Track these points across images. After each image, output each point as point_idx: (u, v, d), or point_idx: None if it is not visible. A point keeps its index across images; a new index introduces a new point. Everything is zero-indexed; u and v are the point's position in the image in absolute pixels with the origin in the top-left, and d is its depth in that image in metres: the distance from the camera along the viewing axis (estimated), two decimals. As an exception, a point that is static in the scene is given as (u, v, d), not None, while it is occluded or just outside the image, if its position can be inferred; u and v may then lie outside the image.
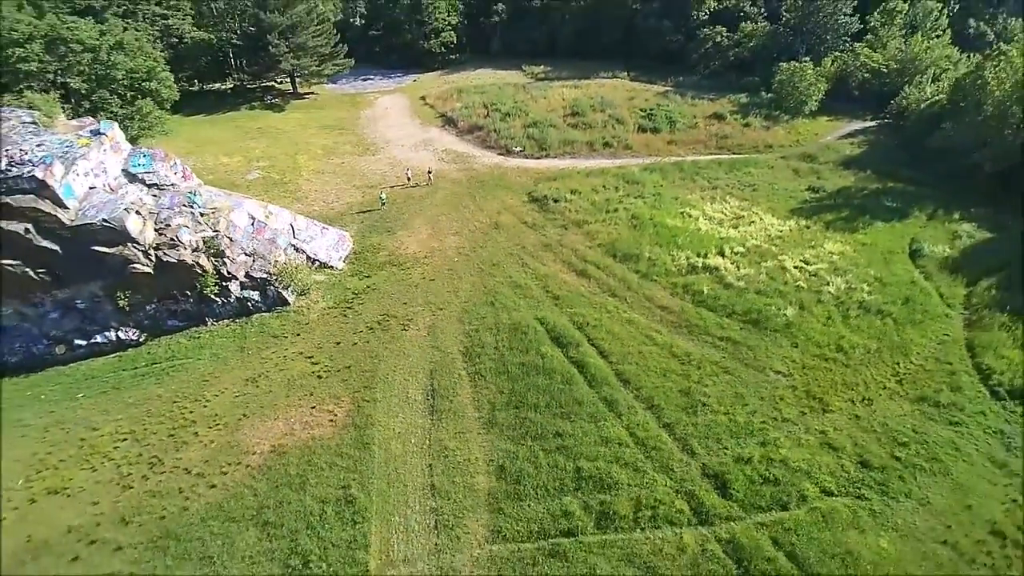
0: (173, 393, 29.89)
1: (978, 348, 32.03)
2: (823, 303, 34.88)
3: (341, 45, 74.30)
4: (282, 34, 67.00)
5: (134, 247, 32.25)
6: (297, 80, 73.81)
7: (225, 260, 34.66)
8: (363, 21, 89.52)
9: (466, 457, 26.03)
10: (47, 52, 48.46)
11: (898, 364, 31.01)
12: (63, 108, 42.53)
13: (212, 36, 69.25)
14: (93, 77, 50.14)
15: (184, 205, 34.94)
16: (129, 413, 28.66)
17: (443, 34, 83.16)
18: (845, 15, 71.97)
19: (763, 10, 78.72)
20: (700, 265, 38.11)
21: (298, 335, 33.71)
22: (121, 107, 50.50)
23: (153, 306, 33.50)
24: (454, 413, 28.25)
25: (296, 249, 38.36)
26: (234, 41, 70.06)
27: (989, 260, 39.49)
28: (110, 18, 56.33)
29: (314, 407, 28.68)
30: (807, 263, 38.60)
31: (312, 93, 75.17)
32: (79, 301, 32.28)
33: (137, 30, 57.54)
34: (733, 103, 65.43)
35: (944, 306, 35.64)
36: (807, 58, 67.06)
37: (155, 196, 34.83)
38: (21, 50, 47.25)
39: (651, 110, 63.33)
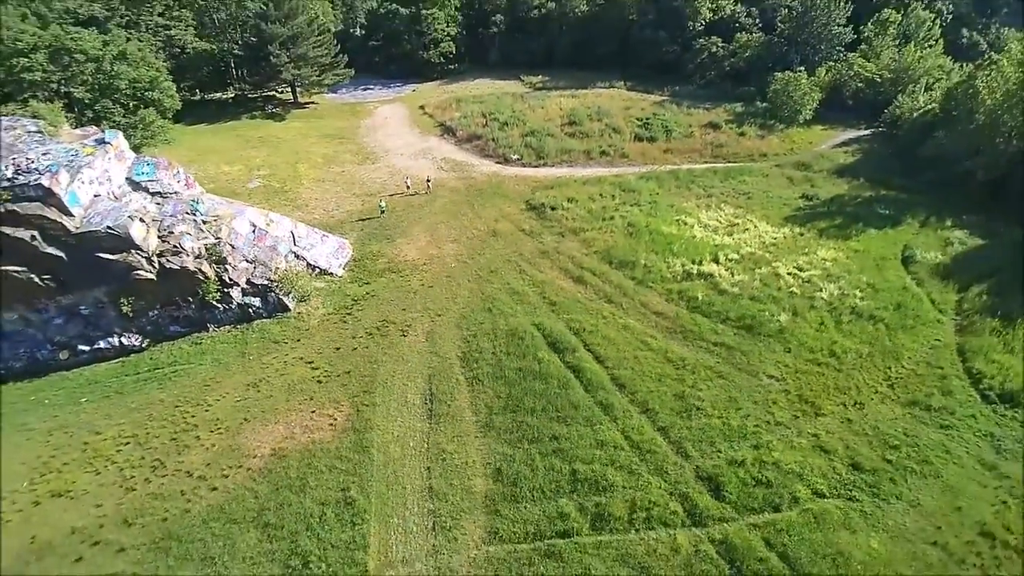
0: (175, 398, 30.29)
1: (969, 353, 32.53)
2: (816, 309, 35.39)
3: (341, 55, 75.08)
4: (283, 44, 67.74)
5: (138, 254, 32.74)
6: (298, 90, 74.52)
7: (227, 267, 35.16)
8: (363, 32, 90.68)
9: (464, 460, 26.42)
10: (51, 62, 49.09)
11: (890, 368, 31.49)
12: (67, 117, 43.09)
13: (214, 46, 70.18)
14: (96, 87, 50.73)
15: (187, 213, 35.47)
16: (132, 417, 29.06)
17: (442, 44, 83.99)
18: (839, 26, 73.05)
19: (758, 21, 79.88)
20: (695, 272, 38.64)
21: (298, 341, 34.15)
22: (124, 116, 51.03)
23: (156, 312, 33.95)
24: (452, 417, 28.66)
25: (297, 256, 38.86)
26: (235, 51, 70.98)
27: (981, 266, 40.10)
28: (113, 29, 56.98)
29: (314, 411, 29.08)
30: (800, 270, 39.15)
31: (312, 103, 75.89)
32: (83, 307, 32.73)
33: (140, 40, 58.21)
34: (728, 112, 66.34)
35: (936, 312, 36.14)
36: (801, 68, 68.04)
37: (158, 204, 35.39)
38: (26, 60, 47.88)
39: (647, 119, 64.13)
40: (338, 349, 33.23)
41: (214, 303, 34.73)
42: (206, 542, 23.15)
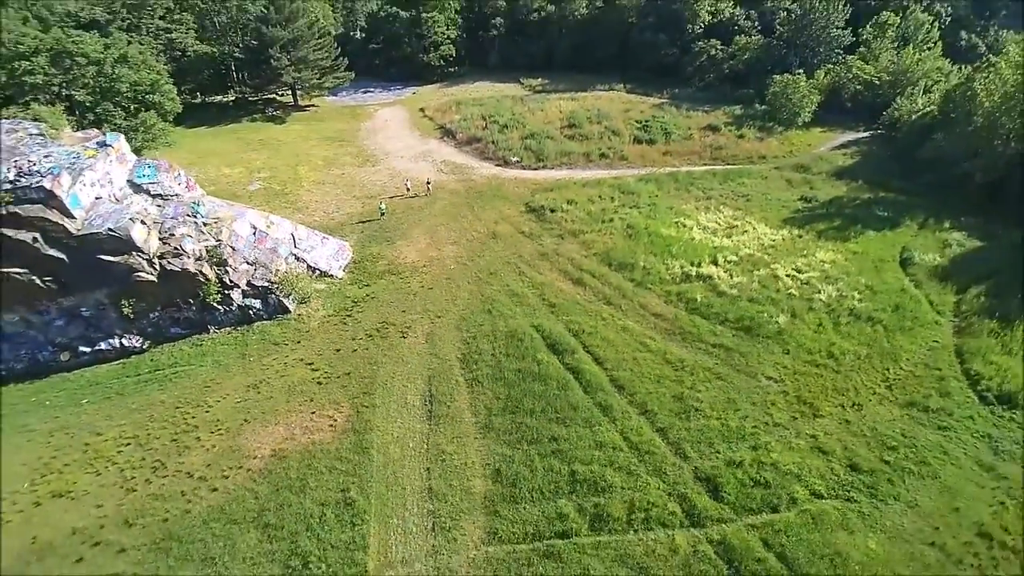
0: (176, 399, 30.40)
1: (967, 354, 32.59)
2: (814, 311, 35.48)
3: (341, 58, 75.31)
4: (284, 48, 67.99)
5: (139, 256, 32.89)
6: (298, 93, 74.71)
7: (227, 269, 35.30)
8: (363, 35, 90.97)
9: (463, 461, 26.51)
10: (52, 65, 49.32)
11: (888, 370, 31.57)
12: (68, 120, 43.27)
13: (215, 50, 70.48)
14: (97, 90, 50.95)
15: (188, 215, 35.62)
16: (132, 418, 29.16)
17: (442, 48, 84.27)
18: (838, 28, 73.24)
19: (757, 24, 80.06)
20: (694, 273, 38.75)
21: (299, 342, 34.26)
22: (125, 119, 51.24)
23: (157, 314, 34.08)
24: (451, 418, 28.75)
25: (297, 258, 39.00)
26: (236, 54, 71.30)
27: (979, 268, 40.17)
28: (114, 32, 57.24)
29: (314, 412, 29.18)
30: (799, 271, 39.25)
31: (313, 105, 76.11)
32: (84, 309, 32.87)
33: (141, 44, 58.49)
34: (727, 115, 66.51)
35: (934, 313, 36.23)
36: (800, 70, 68.26)
37: (159, 206, 35.55)
38: (27, 63, 48.14)
39: (647, 122, 64.31)
40: (338, 351, 33.34)
41: (215, 305, 34.86)
42: (206, 543, 23.23)
